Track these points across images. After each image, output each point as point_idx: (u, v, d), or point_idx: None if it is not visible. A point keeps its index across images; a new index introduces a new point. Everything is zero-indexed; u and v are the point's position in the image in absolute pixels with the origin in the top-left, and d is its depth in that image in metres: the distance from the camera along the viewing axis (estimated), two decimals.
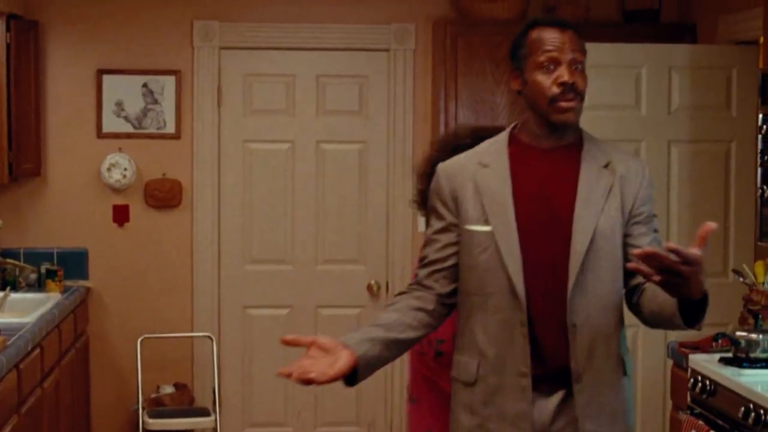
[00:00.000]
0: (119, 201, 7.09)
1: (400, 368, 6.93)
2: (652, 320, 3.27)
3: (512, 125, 3.44)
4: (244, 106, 7.21)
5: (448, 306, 3.42)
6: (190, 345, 7.15)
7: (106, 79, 7.04)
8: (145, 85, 7.06)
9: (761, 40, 5.71)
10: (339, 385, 3.19)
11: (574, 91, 3.24)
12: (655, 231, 3.37)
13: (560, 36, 3.25)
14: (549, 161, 3.32)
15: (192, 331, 7.12)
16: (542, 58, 3.23)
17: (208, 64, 7.13)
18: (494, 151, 3.37)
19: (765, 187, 4.83)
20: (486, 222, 3.29)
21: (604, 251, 3.26)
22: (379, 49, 7.22)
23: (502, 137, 3.42)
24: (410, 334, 3.34)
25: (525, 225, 3.27)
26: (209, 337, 6.93)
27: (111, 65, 7.04)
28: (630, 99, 6.33)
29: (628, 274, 3.29)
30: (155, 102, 7.08)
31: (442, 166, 3.41)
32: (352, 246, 7.28)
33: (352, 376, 3.15)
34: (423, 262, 3.41)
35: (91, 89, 7.05)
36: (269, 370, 7.10)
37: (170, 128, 7.10)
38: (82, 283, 7.03)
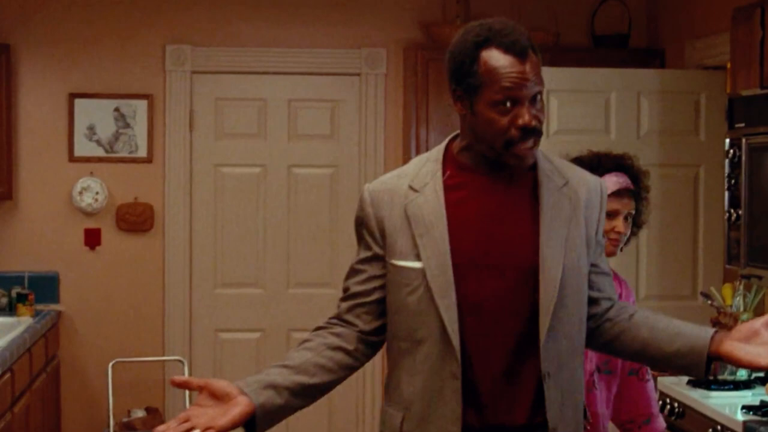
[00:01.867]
0: (91, 225, 7.09)
1: (372, 378, 6.95)
2: (621, 353, 3.06)
3: (448, 138, 2.98)
4: (215, 130, 7.23)
5: (374, 345, 2.98)
6: (161, 369, 7.15)
7: (78, 102, 7.05)
8: (117, 109, 7.07)
9: (728, 65, 5.77)
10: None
11: (534, 134, 2.81)
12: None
13: (520, 67, 2.76)
14: (496, 184, 2.88)
15: (163, 355, 7.12)
16: (499, 96, 2.76)
17: (180, 88, 7.14)
18: (427, 173, 2.91)
19: (733, 211, 4.88)
20: (416, 257, 2.84)
21: (572, 289, 2.86)
22: (351, 74, 7.25)
23: (436, 155, 2.95)
24: (324, 378, 2.88)
25: (464, 261, 2.82)
26: (180, 360, 6.93)
27: (83, 89, 7.05)
28: (599, 123, 6.37)
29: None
30: (127, 126, 7.09)
31: (369, 189, 2.97)
32: (323, 269, 7.30)
33: (251, 422, 2.74)
34: (345, 295, 2.99)
35: (63, 113, 7.05)
36: None
37: (142, 152, 7.11)
38: (53, 307, 7.01)
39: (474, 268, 2.83)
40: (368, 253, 2.95)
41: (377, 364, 6.96)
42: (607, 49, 7.09)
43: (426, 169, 2.92)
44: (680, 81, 6.47)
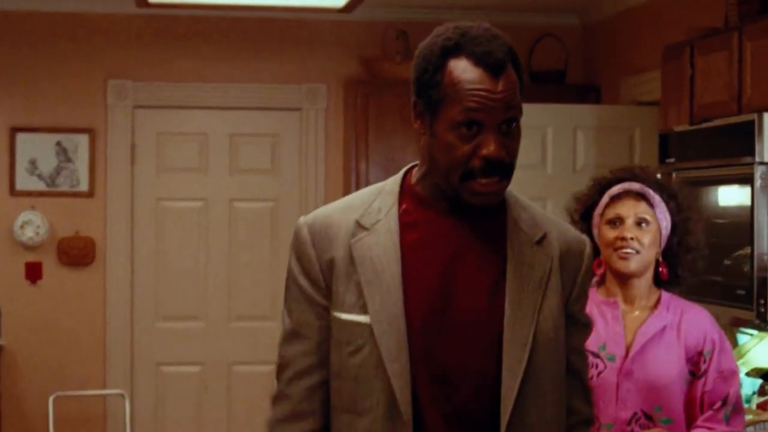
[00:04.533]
0: (32, 258, 7.08)
1: None
2: None
3: (406, 168, 2.45)
4: (157, 164, 7.26)
5: None
6: (102, 402, 7.14)
7: (20, 137, 7.06)
8: (58, 144, 7.09)
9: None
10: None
11: (500, 169, 2.27)
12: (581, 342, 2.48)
13: (490, 84, 2.23)
14: (460, 225, 2.34)
15: (105, 389, 7.11)
16: (460, 117, 2.24)
17: (122, 122, 7.18)
18: (379, 208, 2.37)
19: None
20: (362, 310, 2.30)
21: (546, 366, 2.34)
22: (291, 109, 7.32)
23: (392, 186, 2.41)
24: None
25: (419, 317, 2.30)
26: (122, 394, 6.93)
27: (25, 123, 7.07)
28: (536, 158, 6.48)
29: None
30: (69, 160, 7.11)
31: (307, 225, 2.40)
32: (264, 303, 7.33)
33: None
34: (292, 373, 2.38)
35: (5, 147, 7.06)
36: (182, 427, 7.15)
37: (84, 186, 7.13)
38: None
39: (431, 326, 2.30)
40: (313, 308, 2.38)
41: None
42: (545, 84, 7.20)
43: (379, 202, 2.38)
44: (615, 116, 6.59)
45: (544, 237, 2.37)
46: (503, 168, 2.26)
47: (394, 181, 2.41)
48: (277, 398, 2.40)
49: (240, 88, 7.27)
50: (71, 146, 7.11)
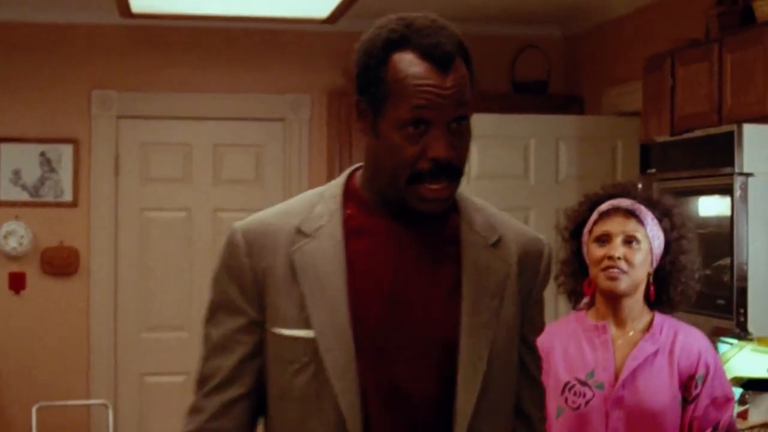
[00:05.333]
0: (15, 268, 7.08)
1: None
2: None
3: (349, 170, 2.28)
4: (141, 175, 7.27)
5: None
6: (86, 412, 7.14)
7: (4, 147, 7.05)
8: (42, 154, 7.09)
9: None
10: None
11: (449, 172, 2.11)
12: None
13: (438, 79, 2.07)
14: (408, 232, 2.17)
15: (88, 399, 7.10)
16: (406, 116, 2.07)
17: (106, 132, 7.18)
18: (322, 213, 2.19)
19: None
20: (305, 324, 2.12)
21: (502, 379, 2.19)
22: (275, 119, 7.34)
23: (334, 189, 2.24)
24: None
25: (368, 331, 2.13)
26: (105, 404, 6.93)
27: (9, 134, 7.06)
28: (519, 168, 6.50)
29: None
30: (53, 170, 7.11)
31: (241, 231, 2.21)
32: None
33: None
34: (210, 386, 2.21)
35: None
36: None
37: (67, 196, 7.13)
38: None
39: (380, 339, 2.13)
40: (242, 320, 2.19)
41: None
42: (527, 95, 7.23)
43: (321, 207, 2.20)
44: (597, 127, 6.62)
45: (499, 240, 2.21)
46: (453, 170, 2.11)
47: (336, 185, 2.24)
48: (191, 411, 2.23)
49: (224, 98, 7.28)
50: (55, 156, 7.11)
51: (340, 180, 2.24)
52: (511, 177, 6.48)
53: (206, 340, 2.24)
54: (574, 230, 3.40)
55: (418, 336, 2.13)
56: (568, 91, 7.36)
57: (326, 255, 2.14)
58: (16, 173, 7.08)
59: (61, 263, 7.11)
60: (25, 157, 7.08)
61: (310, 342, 2.11)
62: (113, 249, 7.21)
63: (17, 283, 7.09)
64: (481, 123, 6.57)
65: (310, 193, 2.26)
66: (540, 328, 2.31)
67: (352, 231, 2.17)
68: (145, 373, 7.29)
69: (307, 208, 2.20)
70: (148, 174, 7.28)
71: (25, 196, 7.09)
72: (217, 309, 2.22)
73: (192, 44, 7.23)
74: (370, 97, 2.12)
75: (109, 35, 7.15)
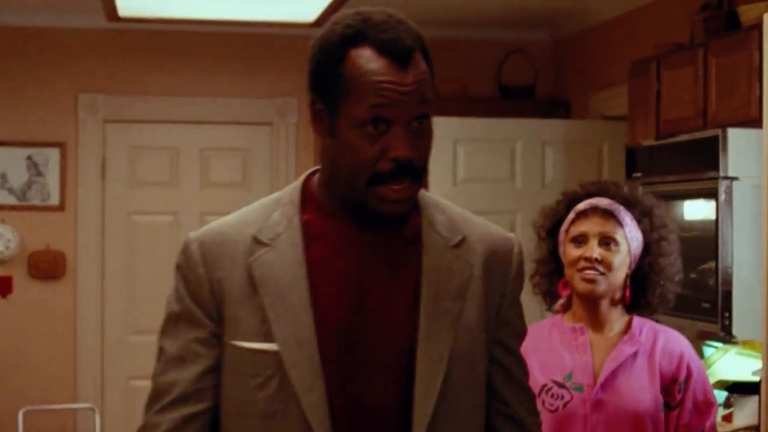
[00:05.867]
0: (2, 272, 7.08)
1: None
2: None
3: (305, 175, 2.22)
4: (128, 179, 7.27)
5: None
6: (73, 416, 7.13)
7: None
8: (29, 158, 7.09)
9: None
10: None
11: (411, 172, 2.02)
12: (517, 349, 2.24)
13: (400, 77, 1.99)
14: (369, 236, 2.09)
15: (75, 403, 7.10)
16: (365, 115, 1.99)
17: (93, 136, 7.18)
18: (279, 220, 2.11)
19: None
20: (267, 336, 2.03)
21: (462, 386, 2.10)
22: (262, 123, 7.34)
23: (291, 195, 2.16)
24: None
25: (334, 340, 2.05)
26: (92, 408, 6.93)
27: None
28: (505, 172, 6.52)
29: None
30: (39, 174, 7.11)
31: (197, 242, 2.13)
32: None
33: None
34: (167, 400, 2.11)
35: None
36: None
37: (54, 200, 7.13)
38: None
39: (346, 349, 2.06)
40: (201, 332, 2.10)
41: None
42: (514, 99, 7.25)
43: (278, 214, 2.12)
44: (583, 131, 6.64)
45: (462, 240, 2.13)
46: (414, 171, 2.02)
47: (293, 190, 2.17)
48: (142, 430, 2.13)
49: (211, 102, 7.29)
50: (42, 160, 7.11)
51: (296, 184, 2.17)
52: (497, 181, 6.49)
53: (161, 353, 2.14)
54: (550, 229, 3.32)
55: (380, 343, 2.06)
56: (554, 95, 7.37)
57: (286, 264, 2.06)
58: (3, 177, 7.07)
59: (48, 267, 7.11)
60: (12, 161, 7.07)
61: (274, 355, 2.02)
62: (100, 253, 7.21)
63: (4, 286, 7.09)
64: (467, 127, 6.64)
65: (266, 200, 2.18)
66: (521, 332, 2.23)
67: (311, 238, 2.08)
68: (131, 377, 7.28)
69: (263, 215, 2.13)
70: (135, 178, 7.28)
71: (12, 200, 7.09)
72: (174, 321, 2.14)
73: (179, 48, 7.24)
74: (327, 95, 2.04)
75: (96, 39, 7.15)
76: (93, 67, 7.17)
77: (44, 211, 7.13)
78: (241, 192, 7.36)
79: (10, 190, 7.09)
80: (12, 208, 7.08)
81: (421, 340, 2.05)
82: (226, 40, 7.24)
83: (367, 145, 1.99)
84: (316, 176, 2.17)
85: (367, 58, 1.99)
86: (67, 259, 7.15)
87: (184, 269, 2.12)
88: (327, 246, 2.08)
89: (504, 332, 2.17)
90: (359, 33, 2.00)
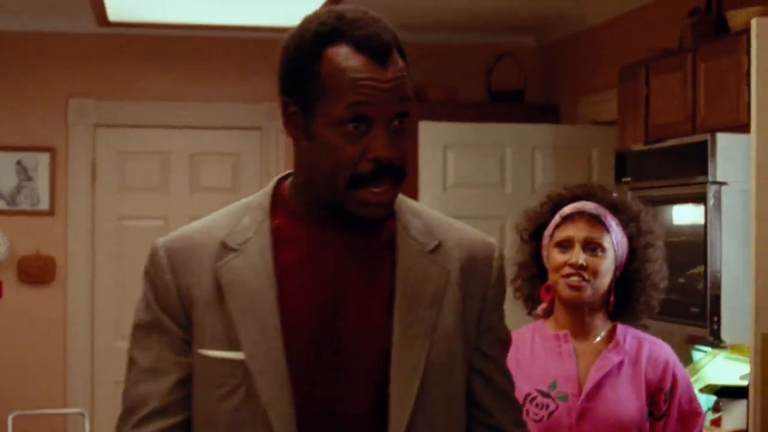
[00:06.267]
0: None
1: None
2: None
3: (276, 179, 2.16)
4: (118, 183, 7.27)
5: None
6: (63, 422, 7.13)
7: None
8: (19, 162, 7.09)
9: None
10: None
11: (392, 172, 1.96)
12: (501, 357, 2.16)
13: (379, 74, 1.93)
14: (342, 242, 2.03)
15: (65, 407, 7.09)
16: (344, 114, 1.92)
17: (83, 141, 7.18)
18: (248, 225, 2.06)
19: None
20: (234, 345, 1.97)
21: (440, 393, 2.02)
22: (252, 128, 7.35)
23: (261, 199, 2.10)
24: None
25: (302, 350, 1.98)
26: (82, 413, 6.92)
27: None
28: (495, 177, 6.52)
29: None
30: (29, 179, 7.11)
31: (164, 247, 2.10)
32: None
33: None
34: (140, 414, 2.05)
35: None
36: None
37: (44, 205, 7.12)
38: None
39: (315, 359, 1.99)
40: (173, 341, 2.04)
41: None
42: (504, 104, 7.25)
43: (248, 219, 2.06)
44: (573, 136, 6.65)
45: (439, 245, 2.06)
46: (395, 172, 1.95)
47: (263, 194, 2.10)
48: None
49: (201, 107, 7.29)
50: (32, 165, 7.10)
51: (267, 189, 2.11)
52: (487, 186, 6.49)
53: (132, 365, 2.08)
54: (533, 232, 3.25)
55: (355, 345, 1.99)
56: (544, 100, 7.38)
57: (254, 270, 1.99)
58: None
59: (37, 272, 7.11)
60: (2, 165, 7.07)
61: (240, 364, 1.96)
62: (90, 257, 7.20)
63: None
64: (457, 131, 6.65)
65: (236, 205, 2.12)
66: (504, 339, 2.16)
67: (281, 243, 2.02)
68: (121, 382, 7.22)
69: (233, 220, 2.07)
70: (125, 182, 7.28)
71: (1, 205, 7.08)
72: (145, 330, 2.06)
73: (169, 53, 7.24)
74: (301, 96, 1.97)
75: (86, 43, 7.15)
76: (83, 72, 7.17)
77: (34, 216, 7.13)
78: (231, 197, 7.26)
79: (0, 195, 7.08)
80: (1, 212, 7.08)
81: (395, 347, 1.98)
82: (216, 44, 7.25)
83: (346, 145, 1.92)
84: (288, 180, 2.11)
85: (345, 56, 1.93)
86: (57, 264, 7.14)
87: (151, 275, 2.07)
88: (298, 250, 2.02)
89: (485, 339, 2.10)
90: (335, 30, 1.94)
